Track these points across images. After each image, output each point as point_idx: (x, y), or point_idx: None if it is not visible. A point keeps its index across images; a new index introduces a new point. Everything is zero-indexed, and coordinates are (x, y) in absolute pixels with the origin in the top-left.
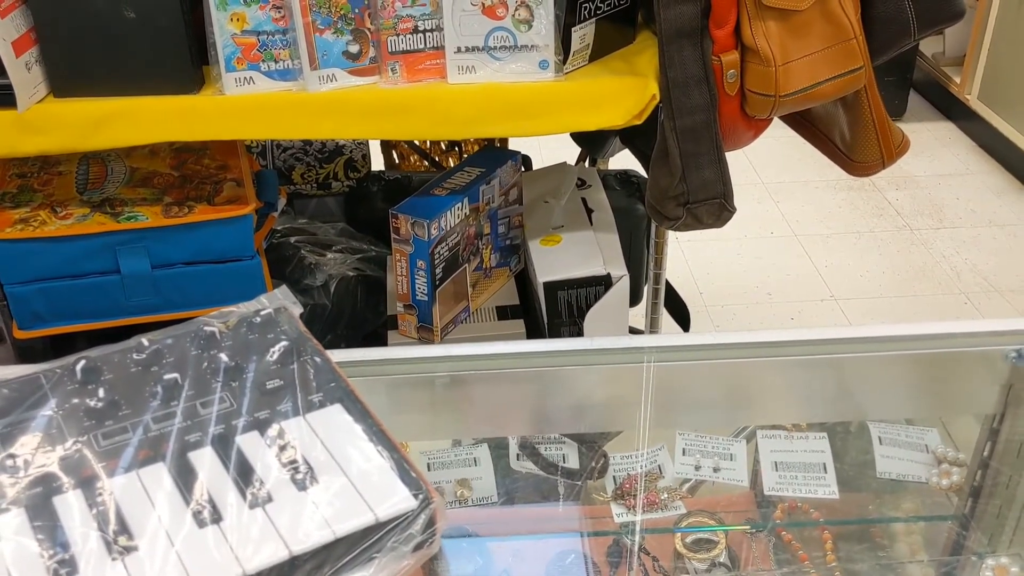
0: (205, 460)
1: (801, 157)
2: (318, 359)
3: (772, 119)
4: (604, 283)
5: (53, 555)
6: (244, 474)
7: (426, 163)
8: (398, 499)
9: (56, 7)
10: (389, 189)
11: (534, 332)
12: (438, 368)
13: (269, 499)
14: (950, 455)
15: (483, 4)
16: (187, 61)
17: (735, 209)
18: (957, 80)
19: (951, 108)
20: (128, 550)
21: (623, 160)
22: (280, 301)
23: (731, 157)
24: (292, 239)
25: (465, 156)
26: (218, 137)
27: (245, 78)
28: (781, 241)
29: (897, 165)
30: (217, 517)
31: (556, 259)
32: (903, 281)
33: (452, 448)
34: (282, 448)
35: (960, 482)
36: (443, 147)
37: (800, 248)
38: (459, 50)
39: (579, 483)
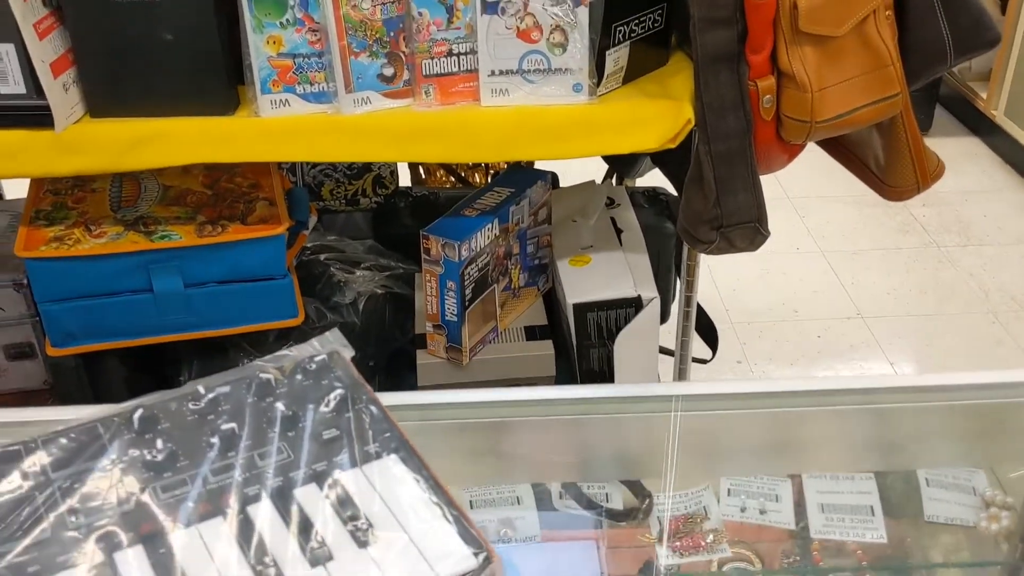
0: (265, 514)
1: (827, 172)
2: (373, 408)
3: (807, 144)
4: (634, 305)
5: None
6: (304, 530)
7: (452, 179)
8: (459, 558)
9: (94, 29)
10: (416, 205)
11: (562, 353)
12: (466, 414)
13: (330, 557)
14: (999, 498)
15: (518, 28)
16: (223, 83)
17: (769, 233)
18: (983, 96)
19: (977, 124)
20: None
21: (650, 177)
22: (332, 345)
23: None
24: (322, 256)
25: (491, 173)
26: (253, 159)
27: (280, 100)
28: (807, 257)
29: None
30: (279, 575)
31: (586, 280)
32: (930, 299)
33: (495, 486)
34: (341, 502)
35: (1010, 527)
36: (469, 163)
37: (826, 264)
38: (493, 73)
39: (623, 524)
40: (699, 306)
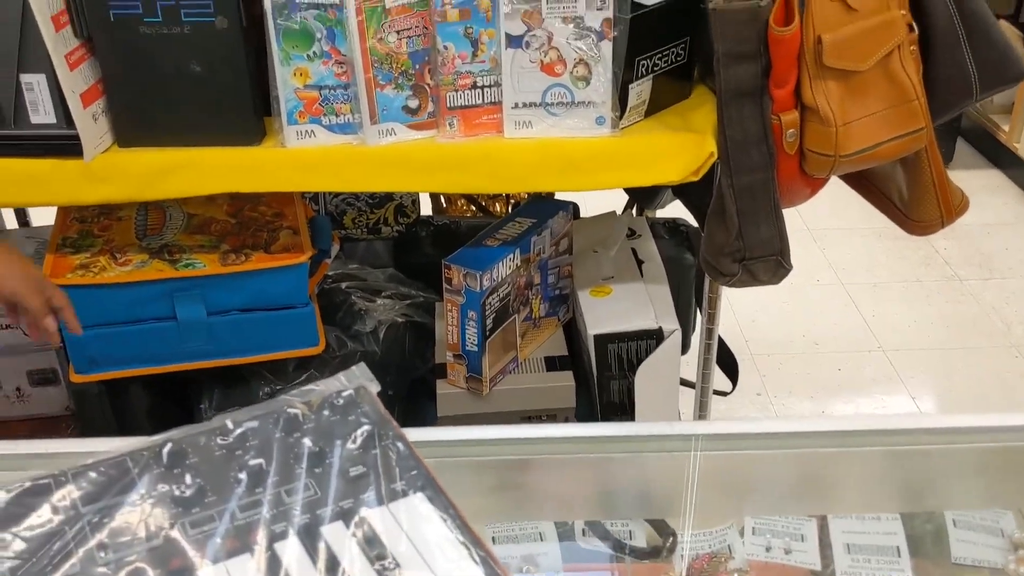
0: (292, 552)
1: (847, 203)
2: (399, 444)
3: (831, 177)
4: (655, 337)
5: None
6: (331, 568)
7: (473, 208)
8: None
9: (124, 60)
10: (437, 234)
11: (582, 383)
12: (487, 451)
13: None
14: None
15: (542, 61)
16: (250, 113)
17: (791, 266)
18: (1006, 128)
19: (999, 156)
20: None
21: (671, 207)
22: (359, 380)
23: None
24: (343, 284)
25: (512, 203)
26: (279, 189)
27: (306, 131)
28: (827, 289)
29: None
30: None
31: (606, 311)
32: (952, 333)
33: (517, 523)
34: (368, 541)
35: None
36: (490, 193)
37: (847, 296)
38: (516, 106)
39: (647, 562)
40: (720, 339)
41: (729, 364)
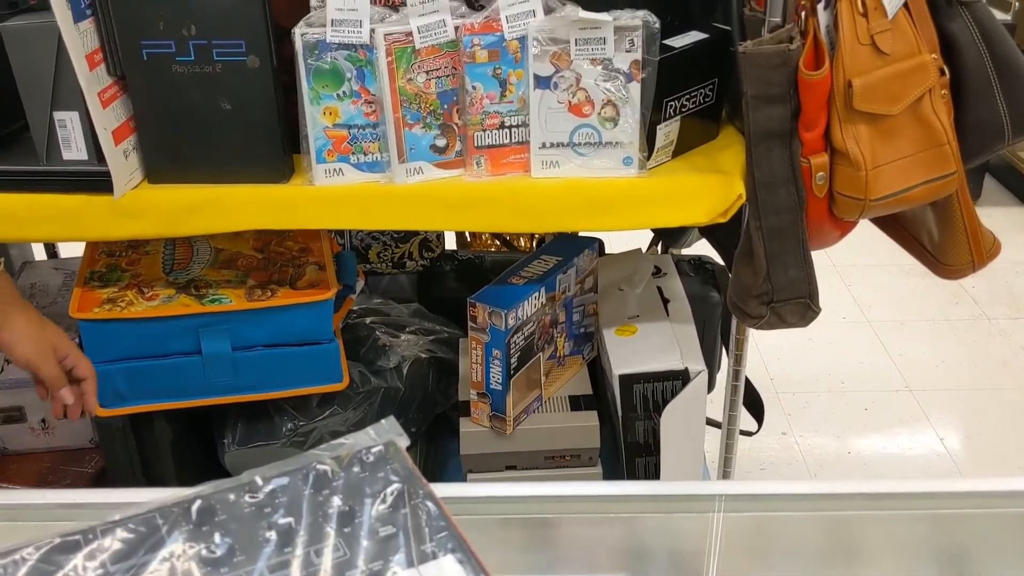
0: None
1: (874, 240)
2: (430, 504)
3: (860, 221)
4: (682, 378)
5: None
6: None
7: (498, 243)
8: None
9: (156, 98)
10: (462, 269)
11: (606, 423)
12: (509, 509)
13: None
14: None
15: (570, 102)
16: (279, 151)
17: (820, 309)
18: None
19: None
20: None
21: (696, 245)
22: (388, 434)
23: None
24: (367, 320)
25: (536, 238)
26: (306, 227)
27: (335, 169)
28: (854, 327)
29: None
30: None
31: (632, 351)
32: (981, 373)
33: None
34: None
35: None
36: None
37: (873, 335)
38: (544, 146)
39: None
40: (748, 382)
41: (755, 403)
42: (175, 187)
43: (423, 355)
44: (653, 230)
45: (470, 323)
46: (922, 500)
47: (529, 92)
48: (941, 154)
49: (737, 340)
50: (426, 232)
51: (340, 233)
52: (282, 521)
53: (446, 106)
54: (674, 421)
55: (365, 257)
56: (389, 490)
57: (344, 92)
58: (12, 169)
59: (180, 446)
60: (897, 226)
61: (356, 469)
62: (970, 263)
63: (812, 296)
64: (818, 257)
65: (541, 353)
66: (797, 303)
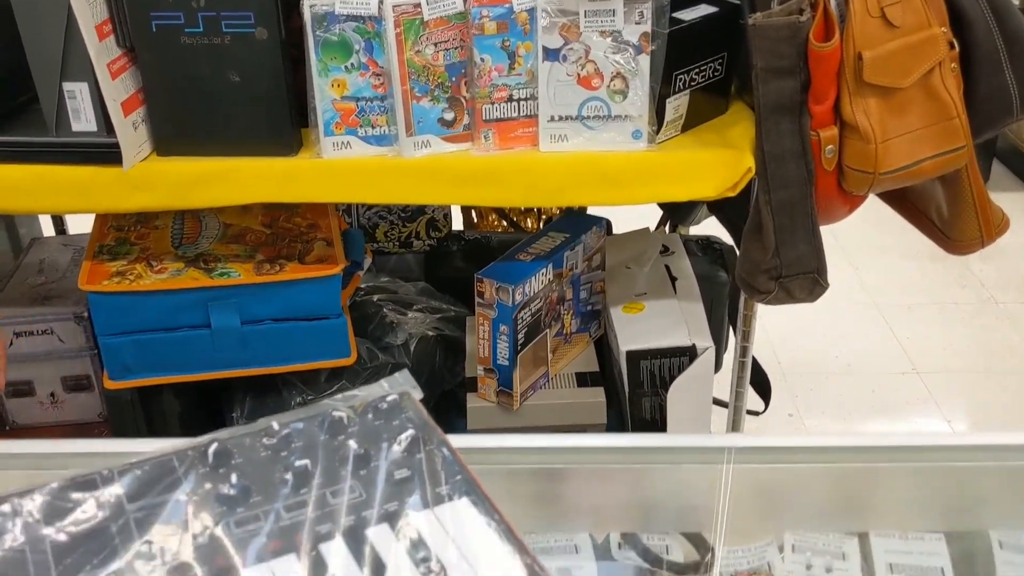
0: (337, 553)
1: (882, 224)
2: (444, 450)
3: (869, 195)
4: (688, 354)
5: None
6: (377, 570)
7: (505, 223)
8: None
9: (165, 69)
10: (469, 249)
11: (613, 400)
12: (520, 459)
13: None
14: None
15: (578, 75)
16: (287, 124)
17: (828, 284)
18: None
19: None
20: None
21: (704, 225)
22: (402, 386)
23: None
24: (375, 297)
25: (543, 218)
26: (314, 200)
27: (343, 142)
28: (861, 310)
29: None
30: None
31: (639, 328)
32: (988, 356)
33: (552, 535)
34: (413, 544)
35: None
36: (522, 208)
37: (881, 318)
38: (552, 119)
39: None
40: (753, 358)
41: (761, 383)
42: (184, 159)
43: (430, 333)
44: (661, 208)
45: (477, 299)
46: (923, 453)
47: (538, 64)
48: (950, 128)
49: (745, 316)
50: (433, 212)
51: (347, 212)
52: (298, 463)
53: (454, 79)
54: (681, 397)
55: (372, 236)
56: (404, 436)
57: (352, 64)
58: (22, 140)
59: (188, 419)
60: (906, 202)
61: (371, 416)
62: (979, 238)
63: (820, 271)
64: (827, 240)
65: (548, 330)
66: (805, 278)
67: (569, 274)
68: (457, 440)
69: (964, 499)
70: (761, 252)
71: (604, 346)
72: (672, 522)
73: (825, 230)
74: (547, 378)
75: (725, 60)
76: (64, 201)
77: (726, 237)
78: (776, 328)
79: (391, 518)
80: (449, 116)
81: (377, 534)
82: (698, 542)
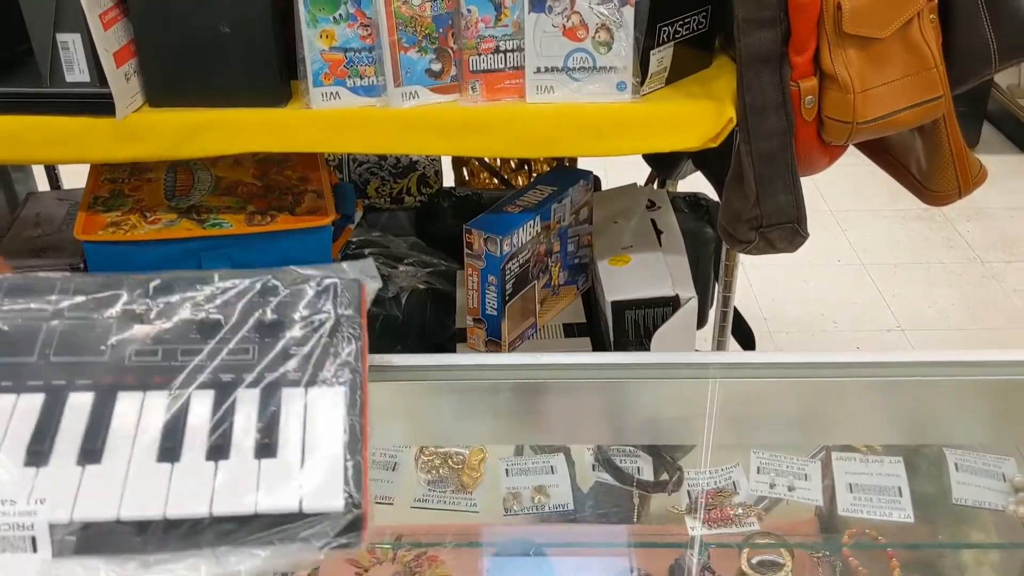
0: (202, 401)
1: (869, 185)
2: (353, 343)
3: (848, 146)
4: (672, 304)
5: (34, 442)
6: (220, 424)
7: (495, 181)
8: (330, 498)
9: (156, 21)
10: (459, 206)
11: (600, 350)
12: (508, 376)
13: (225, 455)
14: None
15: (564, 26)
16: (276, 75)
17: (808, 234)
18: None
19: None
20: (92, 457)
21: (691, 183)
22: (361, 274)
23: None
24: (366, 251)
25: (534, 176)
26: (304, 149)
27: (331, 93)
28: (848, 269)
29: (969, 196)
30: (175, 458)
31: (625, 279)
32: (972, 314)
33: (530, 456)
34: (265, 412)
35: None
36: (513, 166)
37: (867, 277)
38: (539, 70)
39: (653, 495)
40: (736, 311)
41: (745, 336)
42: (176, 110)
43: (421, 286)
44: (647, 162)
45: (466, 250)
46: (887, 368)
47: (524, 16)
48: (929, 78)
49: (727, 267)
50: (424, 168)
51: (339, 167)
52: (214, 316)
53: (441, 30)
54: (664, 346)
55: (364, 192)
56: (319, 316)
57: (340, 15)
58: (16, 91)
59: None
60: (886, 153)
61: (304, 291)
62: (956, 189)
63: (800, 221)
64: (813, 201)
65: (536, 281)
66: (786, 228)
67: (557, 227)
68: (443, 359)
69: (923, 417)
70: (742, 202)
71: (591, 299)
72: (650, 437)
73: (811, 192)
74: (535, 329)
75: (709, 14)
76: (58, 151)
77: (713, 194)
78: (763, 287)
79: (263, 385)
80: (436, 67)
81: (243, 395)
82: (668, 463)
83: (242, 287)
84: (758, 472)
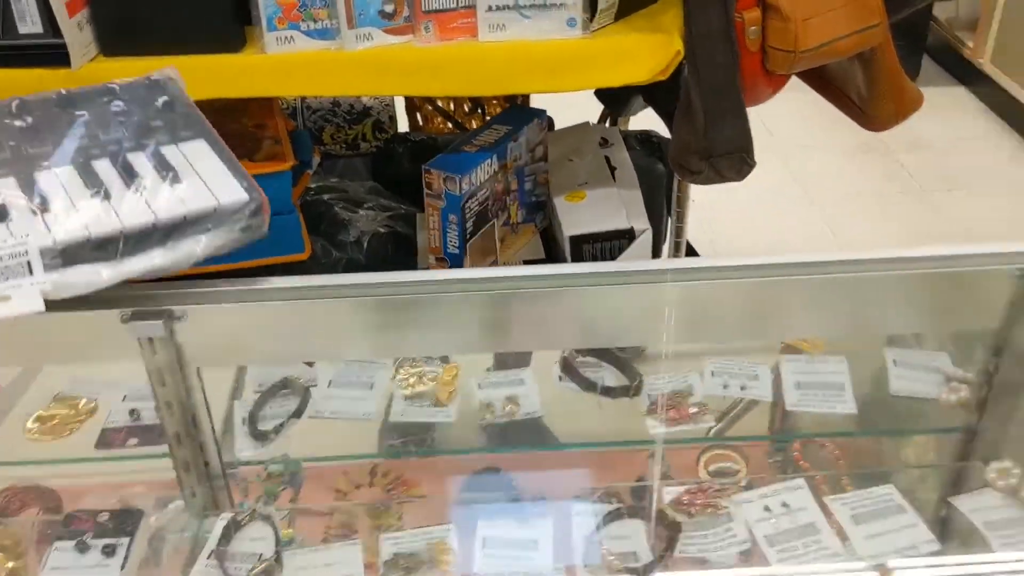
0: (103, 167)
1: (815, 120)
2: (192, 111)
3: (791, 75)
4: (627, 236)
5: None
6: (132, 177)
7: (450, 125)
8: (236, 194)
9: None
10: (415, 150)
11: None
12: (474, 287)
13: (145, 188)
14: (959, 374)
15: None
16: (230, 21)
17: (755, 163)
18: (970, 44)
19: (964, 72)
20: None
21: (643, 122)
22: (167, 73)
23: None
24: (325, 196)
25: (488, 118)
26: (260, 94)
27: (286, 37)
28: (793, 202)
29: (910, 129)
30: (107, 195)
31: (581, 214)
32: (915, 243)
33: (502, 371)
34: (159, 159)
35: (967, 397)
36: (466, 109)
37: (812, 209)
38: (490, 8)
39: (616, 400)
40: (689, 244)
41: None
42: (130, 59)
43: (382, 229)
44: (599, 99)
45: (426, 190)
46: (827, 267)
47: None
48: (866, 6)
49: (679, 198)
50: (379, 114)
51: (292, 115)
52: (78, 112)
53: None
54: None
55: (319, 139)
56: (160, 99)
57: None
58: None
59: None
60: (827, 83)
61: (137, 87)
62: (894, 114)
63: (747, 150)
64: (761, 137)
65: (496, 219)
66: (733, 157)
67: (513, 165)
68: (413, 275)
69: (862, 313)
70: (691, 133)
71: (550, 237)
72: (613, 340)
73: (758, 127)
74: (496, 265)
75: None
76: None
77: (664, 131)
78: (712, 219)
79: (145, 148)
80: (389, 8)
81: (134, 157)
82: (630, 371)
83: (87, 93)
84: (712, 376)
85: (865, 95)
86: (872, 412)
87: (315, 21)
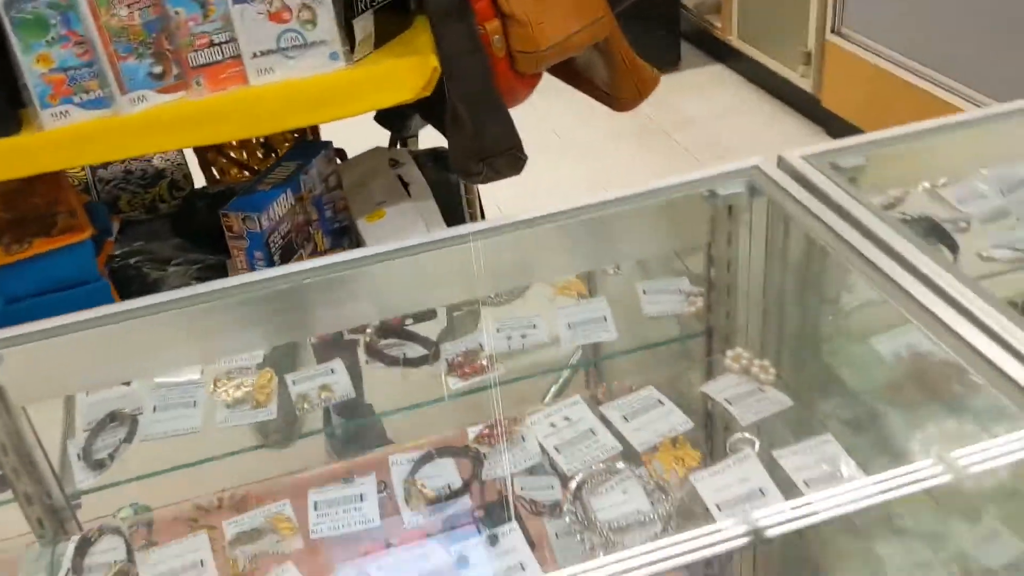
0: None
1: (588, 111)
2: None
3: (541, 73)
4: None
5: None
6: None
7: (246, 173)
8: None
9: None
10: (215, 202)
11: None
12: (278, 283)
13: None
14: (695, 290)
15: (269, 12)
16: (4, 106)
17: (526, 156)
18: (719, 25)
19: (719, 51)
20: None
21: (432, 141)
22: None
23: (527, 118)
24: (132, 260)
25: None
26: (44, 170)
27: (61, 112)
28: (580, 188)
29: (677, 109)
30: None
31: (383, 231)
32: None
33: (313, 367)
34: None
35: (702, 307)
36: (260, 155)
37: (600, 191)
38: (255, 55)
39: (419, 368)
40: None
41: None
42: None
43: (193, 282)
44: (381, 123)
45: (228, 234)
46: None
47: (230, 8)
48: (590, 3)
49: (469, 200)
50: (173, 173)
51: (86, 190)
52: None
53: (154, 35)
54: None
55: (116, 208)
56: None
57: (52, 38)
58: None
59: None
60: (576, 75)
61: None
62: (636, 93)
63: (517, 147)
64: (545, 137)
65: (302, 249)
66: (507, 155)
67: (309, 196)
68: (213, 285)
69: (602, 242)
70: (464, 139)
71: None
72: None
73: (542, 125)
74: None
75: None
76: None
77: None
78: (503, 200)
79: None
80: (158, 70)
81: None
82: (427, 344)
83: None
84: (497, 332)
85: (608, 81)
86: (631, 331)
87: (87, 92)
